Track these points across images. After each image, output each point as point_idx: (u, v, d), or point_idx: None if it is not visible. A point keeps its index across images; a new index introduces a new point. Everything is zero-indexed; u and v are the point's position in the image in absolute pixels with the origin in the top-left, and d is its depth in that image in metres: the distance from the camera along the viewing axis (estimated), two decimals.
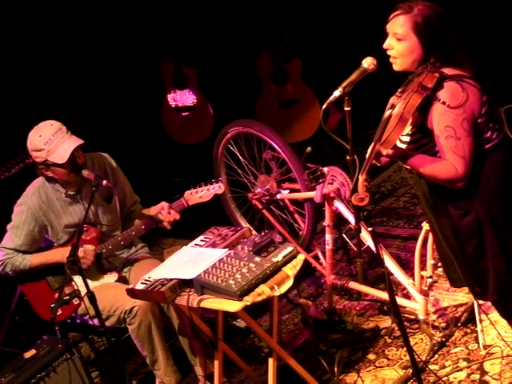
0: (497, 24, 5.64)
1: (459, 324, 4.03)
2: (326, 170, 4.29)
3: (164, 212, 4.13)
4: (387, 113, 3.03)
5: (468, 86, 2.98)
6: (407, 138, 3.11)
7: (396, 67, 3.12)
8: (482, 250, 3.12)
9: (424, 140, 3.09)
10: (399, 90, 3.10)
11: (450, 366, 3.80)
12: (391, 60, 3.10)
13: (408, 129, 3.07)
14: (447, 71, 3.00)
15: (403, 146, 3.12)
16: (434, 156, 3.07)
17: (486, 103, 3.03)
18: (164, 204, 4.15)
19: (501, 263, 3.12)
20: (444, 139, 2.99)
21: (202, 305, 3.42)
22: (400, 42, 3.05)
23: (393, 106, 3.05)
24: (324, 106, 3.08)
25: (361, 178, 2.93)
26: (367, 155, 3.00)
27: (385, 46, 3.11)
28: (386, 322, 4.27)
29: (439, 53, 3.02)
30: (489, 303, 3.84)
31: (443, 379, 3.72)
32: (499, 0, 5.59)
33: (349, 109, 3.04)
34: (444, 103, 2.96)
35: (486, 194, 3.07)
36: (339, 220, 4.40)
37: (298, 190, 4.62)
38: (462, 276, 3.24)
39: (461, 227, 3.12)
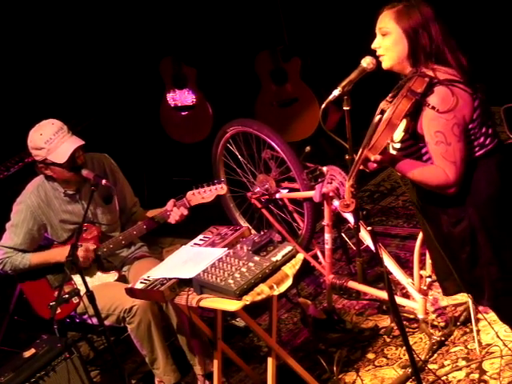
0: (497, 23, 5.64)
1: (458, 323, 4.03)
2: (325, 169, 4.29)
3: (175, 208, 4.10)
4: (376, 118, 3.00)
5: (458, 90, 2.95)
6: (399, 145, 3.09)
7: (384, 64, 3.09)
8: (475, 256, 3.09)
9: (415, 147, 3.05)
10: (390, 95, 3.07)
11: (449, 365, 3.81)
12: (380, 58, 3.10)
13: (400, 136, 3.05)
14: (439, 75, 2.97)
15: (395, 153, 3.10)
16: (426, 163, 3.05)
17: (477, 108, 2.99)
18: (172, 200, 4.15)
19: (494, 270, 3.08)
20: (434, 145, 2.96)
21: (201, 304, 3.42)
22: (385, 37, 3.05)
23: (382, 112, 3.01)
24: (323, 106, 3.07)
25: (347, 184, 2.92)
26: (355, 161, 2.98)
27: (373, 45, 3.10)
28: (385, 322, 4.27)
29: (425, 48, 2.99)
30: None
31: (442, 378, 3.72)
32: (498, 0, 5.60)
33: (348, 108, 3.04)
34: (433, 108, 2.93)
35: (478, 201, 3.02)
36: (338, 219, 4.40)
37: (297, 190, 4.62)
38: (459, 281, 3.22)
39: (453, 235, 3.09)
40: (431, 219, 3.17)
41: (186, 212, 4.12)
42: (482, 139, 3.03)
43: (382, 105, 3.03)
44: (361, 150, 2.94)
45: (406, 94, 2.93)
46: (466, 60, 3.03)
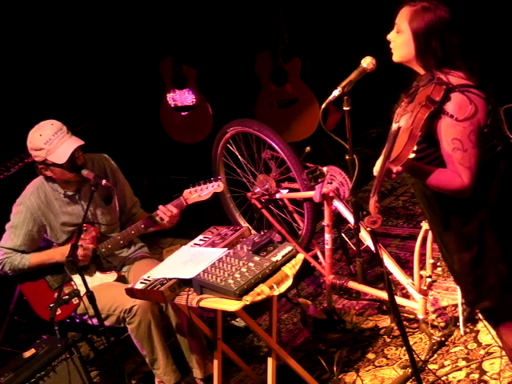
0: (497, 23, 5.64)
1: (458, 323, 4.03)
2: (325, 169, 4.29)
3: (161, 206, 4.09)
4: (394, 126, 2.95)
5: (475, 97, 2.93)
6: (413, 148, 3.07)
7: (393, 58, 3.06)
8: (481, 257, 3.08)
9: (430, 149, 3.03)
10: (404, 99, 3.02)
11: (449, 365, 3.81)
12: (391, 50, 3.08)
13: None
14: (452, 79, 2.95)
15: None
16: (440, 165, 3.03)
17: (491, 112, 2.98)
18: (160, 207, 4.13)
19: (503, 267, 3.07)
20: (451, 151, 2.95)
21: (202, 304, 3.42)
22: (398, 34, 3.02)
23: (398, 117, 2.98)
24: (323, 106, 3.07)
25: (372, 200, 2.88)
26: (376, 173, 2.93)
27: (388, 36, 3.08)
28: (386, 322, 4.27)
29: (436, 53, 2.97)
30: None
31: (442, 379, 3.72)
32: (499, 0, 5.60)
33: (348, 108, 3.04)
34: (452, 116, 2.91)
35: (488, 201, 3.03)
36: (338, 219, 4.40)
37: (297, 190, 4.62)
38: (456, 283, 3.20)
39: (462, 235, 3.08)
40: (439, 218, 3.16)
41: (175, 210, 4.08)
42: (493, 142, 3.03)
43: (398, 111, 2.99)
44: (382, 163, 2.91)
45: (425, 103, 2.89)
46: (478, 67, 3.01)
